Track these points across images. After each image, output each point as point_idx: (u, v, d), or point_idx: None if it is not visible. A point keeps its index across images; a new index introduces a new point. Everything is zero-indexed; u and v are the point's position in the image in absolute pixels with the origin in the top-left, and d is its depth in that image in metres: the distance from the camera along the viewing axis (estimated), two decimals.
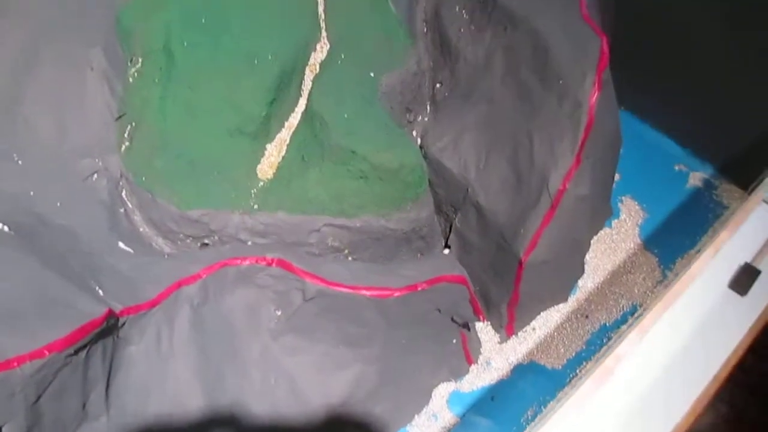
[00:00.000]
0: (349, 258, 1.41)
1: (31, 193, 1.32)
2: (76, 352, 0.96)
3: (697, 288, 1.39)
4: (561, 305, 1.63)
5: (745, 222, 1.51)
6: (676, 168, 2.04)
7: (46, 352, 0.90)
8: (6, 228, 1.17)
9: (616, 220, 1.87)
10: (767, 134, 1.86)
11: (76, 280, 1.11)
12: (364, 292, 1.27)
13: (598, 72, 1.41)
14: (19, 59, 1.46)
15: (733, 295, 1.42)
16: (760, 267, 1.38)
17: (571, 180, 1.38)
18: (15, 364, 0.86)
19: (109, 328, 1.03)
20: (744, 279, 1.39)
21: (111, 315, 1.03)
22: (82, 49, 1.47)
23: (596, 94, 1.39)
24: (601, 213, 1.72)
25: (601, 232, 1.82)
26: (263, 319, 1.27)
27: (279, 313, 1.27)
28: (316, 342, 1.29)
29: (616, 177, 1.94)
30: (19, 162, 1.36)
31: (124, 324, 1.09)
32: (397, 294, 1.28)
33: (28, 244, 1.14)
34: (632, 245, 1.82)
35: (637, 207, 1.92)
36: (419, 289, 1.31)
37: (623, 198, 1.94)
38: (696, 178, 2.02)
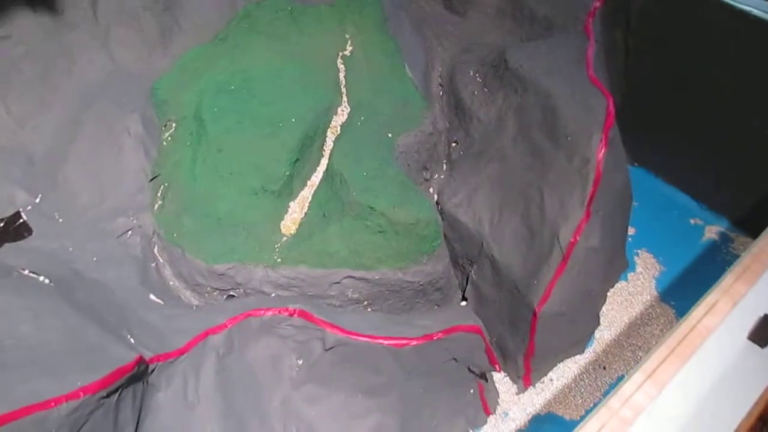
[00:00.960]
0: (368, 309, 1.46)
1: (70, 249, 1.41)
2: (109, 395, 1.02)
3: (715, 340, 1.40)
4: (578, 356, 1.65)
5: (762, 274, 1.53)
6: (692, 222, 2.08)
7: (81, 394, 0.96)
8: (47, 280, 1.26)
9: (632, 273, 1.91)
10: None
11: (110, 329, 1.19)
12: (381, 341, 1.32)
13: (604, 130, 1.48)
14: (63, 125, 1.59)
15: (753, 347, 1.43)
16: None
17: (582, 233, 1.44)
18: (52, 404, 0.92)
19: (139, 374, 1.09)
20: (763, 331, 1.41)
21: (141, 361, 1.09)
22: (120, 116, 1.59)
23: (603, 150, 1.46)
24: (616, 266, 1.76)
25: (618, 285, 1.85)
26: (285, 368, 1.32)
27: (300, 362, 1.32)
28: (336, 391, 1.34)
29: (632, 231, 1.99)
30: (60, 220, 1.46)
31: (153, 371, 1.15)
32: (413, 343, 1.33)
33: (66, 294, 1.22)
34: (649, 297, 1.85)
35: (653, 260, 1.96)
36: (435, 338, 1.36)
37: (639, 251, 1.97)
38: (712, 232, 2.05)
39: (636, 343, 1.73)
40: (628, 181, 1.64)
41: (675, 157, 2.08)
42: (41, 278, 1.27)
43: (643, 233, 2.00)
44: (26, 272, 1.28)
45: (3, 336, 1.07)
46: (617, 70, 1.97)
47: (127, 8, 1.74)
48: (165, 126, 1.62)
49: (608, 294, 1.79)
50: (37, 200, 1.49)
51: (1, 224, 1.42)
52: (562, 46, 1.70)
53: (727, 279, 1.89)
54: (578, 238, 1.44)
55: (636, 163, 2.14)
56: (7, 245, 1.40)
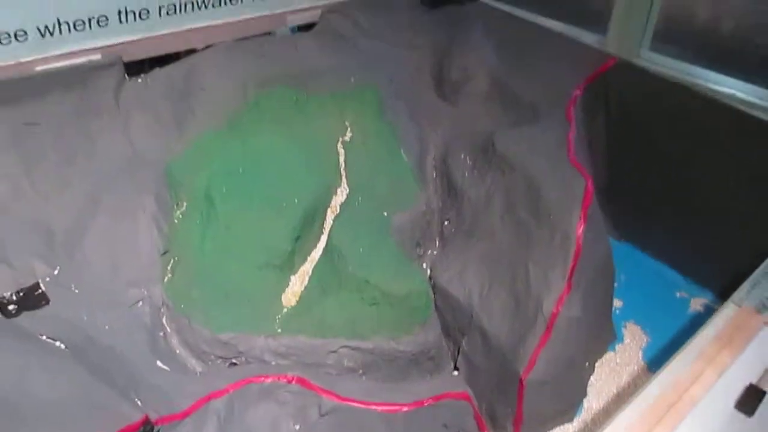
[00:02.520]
0: (363, 378, 1.54)
1: (84, 317, 1.51)
2: None
3: (702, 409, 1.45)
4: (567, 425, 1.70)
5: (746, 345, 1.59)
6: (678, 295, 2.16)
7: None
8: (62, 345, 1.35)
9: (620, 344, 1.97)
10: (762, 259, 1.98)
11: (120, 390, 1.27)
12: (374, 407, 1.39)
13: (583, 208, 1.60)
14: (83, 203, 1.71)
15: (740, 416, 1.47)
16: (766, 388, 1.44)
17: (564, 304, 1.53)
18: None
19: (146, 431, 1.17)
20: (750, 400, 1.45)
21: (147, 421, 1.17)
22: (136, 195, 1.71)
23: (582, 226, 1.57)
24: (603, 337, 1.84)
25: (606, 356, 1.91)
26: None
27: (297, 427, 1.39)
28: None
29: (619, 304, 2.07)
30: (76, 291, 1.56)
31: (158, 431, 1.23)
32: (405, 409, 1.40)
33: (80, 358, 1.32)
34: (636, 368, 1.91)
35: (640, 332, 2.03)
36: (425, 404, 1.42)
37: (626, 323, 2.04)
38: (697, 304, 2.13)
39: None
40: (609, 255, 1.73)
41: (660, 233, 2.18)
42: (57, 343, 1.36)
43: (630, 306, 2.07)
44: (44, 337, 1.37)
45: (21, 394, 1.16)
46: (601, 152, 2.10)
47: (147, 97, 1.89)
48: (177, 205, 1.74)
49: (596, 365, 1.86)
50: (56, 272, 1.59)
51: (21, 294, 1.52)
52: (546, 131, 1.83)
53: (712, 349, 1.95)
54: (560, 309, 1.52)
55: (622, 239, 2.24)
56: (25, 313, 1.50)
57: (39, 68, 1.76)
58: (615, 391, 1.84)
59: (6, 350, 1.26)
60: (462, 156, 1.93)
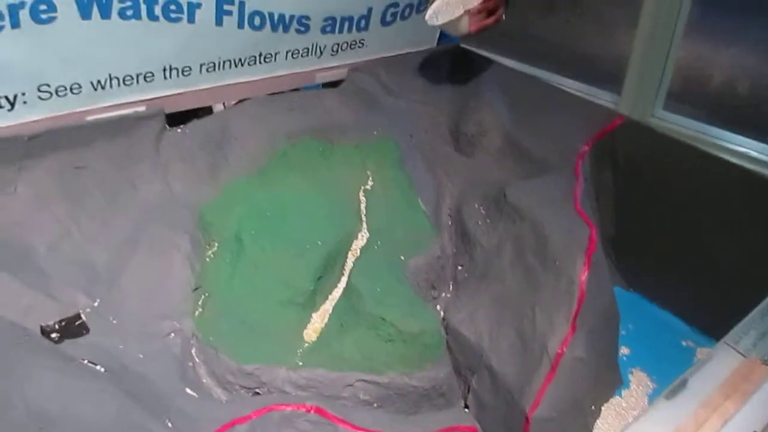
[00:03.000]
0: (378, 410, 1.63)
1: (121, 346, 1.63)
2: None
3: None
4: None
5: (751, 394, 1.65)
6: (684, 343, 2.22)
7: None
8: (102, 369, 1.48)
9: (626, 390, 2.03)
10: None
11: (152, 413, 1.38)
12: None
13: (587, 255, 1.70)
14: (123, 242, 1.85)
15: None
16: None
17: (568, 345, 1.62)
18: None
19: None
20: None
21: None
22: (172, 236, 1.85)
23: (586, 272, 1.67)
24: (608, 380, 1.90)
25: (612, 400, 1.97)
26: None
27: None
28: None
29: (626, 351, 2.14)
30: (114, 322, 1.69)
31: None
32: None
33: (116, 383, 1.43)
34: (642, 413, 1.96)
35: (646, 378, 2.09)
36: None
37: (633, 370, 2.11)
38: (703, 353, 2.19)
39: None
40: (613, 302, 1.82)
41: (667, 284, 2.24)
42: (98, 367, 1.48)
43: (637, 353, 2.14)
44: (85, 362, 1.50)
45: (65, 413, 1.27)
46: (609, 205, 2.20)
47: (185, 147, 2.05)
48: (209, 245, 1.87)
49: (603, 408, 1.92)
50: (96, 304, 1.71)
51: (63, 323, 1.65)
52: (554, 184, 1.95)
53: (717, 398, 2.01)
54: (564, 350, 1.61)
55: (630, 289, 2.32)
56: (67, 340, 1.62)
57: (89, 118, 1.92)
58: None
59: (53, 371, 1.38)
60: (475, 205, 2.06)
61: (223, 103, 2.24)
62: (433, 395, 1.68)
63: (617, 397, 2.01)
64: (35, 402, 1.26)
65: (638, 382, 2.09)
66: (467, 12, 1.89)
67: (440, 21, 1.92)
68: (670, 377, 2.12)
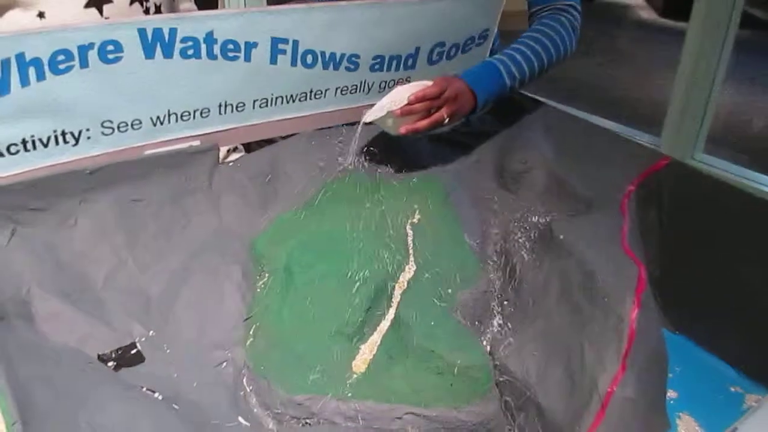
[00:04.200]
0: None
1: (175, 375, 1.67)
2: None
3: None
4: None
5: None
6: (732, 389, 2.19)
7: None
8: (160, 396, 1.51)
9: None
10: None
11: None
12: None
13: (637, 293, 1.70)
14: (175, 272, 1.90)
15: None
16: None
17: (618, 383, 1.61)
18: None
19: None
20: None
21: None
22: (224, 266, 1.90)
23: (636, 310, 1.67)
24: (656, 424, 1.87)
25: None
26: None
27: None
28: None
29: (674, 395, 2.11)
30: (168, 351, 1.73)
31: None
32: None
33: (171, 408, 1.47)
34: None
35: (694, 423, 2.05)
36: None
37: (681, 414, 2.08)
38: (752, 400, 2.15)
39: None
40: (662, 343, 1.80)
41: (713, 327, 2.21)
42: (156, 394, 1.52)
43: (685, 397, 2.10)
44: (144, 389, 1.54)
45: None
46: (654, 245, 2.19)
47: (237, 180, 2.11)
48: (259, 276, 1.91)
49: None
50: (150, 333, 1.76)
51: (120, 352, 1.69)
52: (600, 222, 1.96)
53: None
54: (615, 388, 1.60)
55: (677, 332, 2.30)
56: (124, 368, 1.67)
57: (147, 152, 2.00)
58: None
59: (117, 397, 1.42)
60: (521, 241, 2.07)
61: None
62: (480, 430, 1.68)
63: None
64: (101, 427, 1.29)
65: (686, 427, 2.06)
66: (391, 114, 1.91)
67: (368, 119, 1.94)
68: (717, 423, 2.10)
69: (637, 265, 1.78)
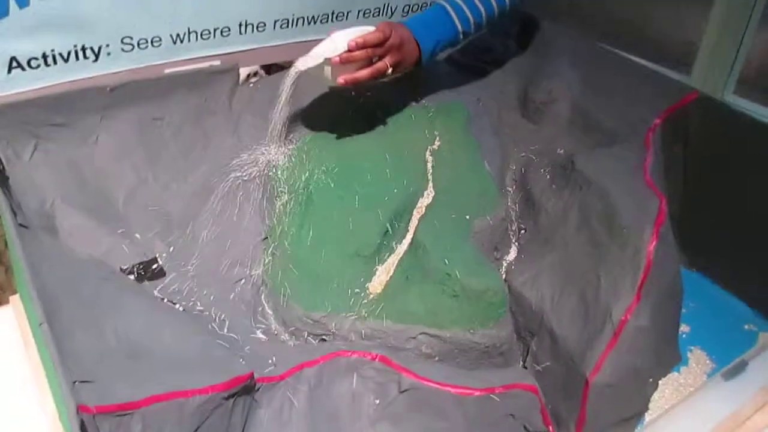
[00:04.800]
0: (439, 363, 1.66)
1: (195, 290, 1.70)
2: (228, 398, 1.25)
3: None
4: None
5: None
6: (746, 327, 2.20)
7: (210, 391, 1.21)
8: (180, 308, 1.55)
9: (684, 367, 2.02)
10: None
11: (229, 351, 1.45)
12: (449, 388, 1.51)
13: (656, 225, 1.69)
14: (196, 191, 1.92)
15: None
16: None
17: (632, 312, 1.62)
18: (190, 395, 1.17)
19: (250, 387, 1.33)
20: None
21: (252, 377, 1.34)
22: (243, 186, 1.91)
23: (654, 242, 1.66)
24: (667, 355, 1.90)
25: (670, 376, 1.97)
26: (364, 406, 1.52)
27: (377, 401, 1.52)
28: (406, 430, 1.52)
29: (687, 329, 2.13)
30: (188, 267, 1.76)
31: (259, 389, 1.39)
32: (477, 393, 1.51)
33: (194, 321, 1.50)
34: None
35: (705, 358, 2.07)
36: (496, 392, 1.54)
37: (692, 348, 2.10)
38: (766, 338, 2.16)
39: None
40: (678, 276, 1.80)
41: (731, 265, 2.21)
42: (177, 306, 1.55)
43: (697, 332, 2.11)
44: (165, 300, 1.57)
45: (152, 344, 1.34)
46: (676, 180, 2.17)
47: (257, 101, 2.10)
48: (278, 197, 1.92)
49: (660, 382, 1.92)
50: (171, 249, 1.79)
51: (141, 266, 1.72)
52: (624, 154, 1.93)
53: None
54: (629, 317, 1.61)
55: (693, 268, 2.29)
56: (146, 282, 1.70)
57: (167, 71, 1.98)
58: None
59: (139, 305, 1.45)
60: (542, 171, 2.06)
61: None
62: (493, 353, 1.71)
63: (675, 373, 2.01)
64: (125, 332, 1.33)
65: (697, 360, 2.08)
66: (328, 61, 1.72)
67: (301, 67, 1.75)
68: (729, 359, 2.11)
69: (658, 197, 1.76)
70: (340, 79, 1.83)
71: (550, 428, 1.71)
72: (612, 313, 1.63)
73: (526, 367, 1.82)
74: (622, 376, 1.65)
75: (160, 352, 1.31)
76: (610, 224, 1.77)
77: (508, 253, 1.98)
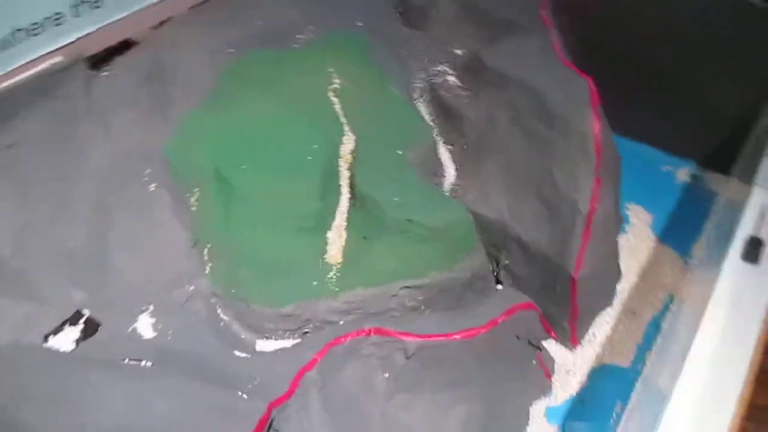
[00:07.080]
0: (426, 312, 1.57)
1: (143, 330, 1.47)
2: None
3: None
4: (609, 309, 1.82)
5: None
6: (664, 169, 2.30)
7: None
8: (148, 363, 1.32)
9: (628, 226, 2.10)
10: (733, 123, 2.11)
11: (220, 388, 1.27)
12: (455, 336, 1.44)
13: (593, 107, 1.65)
14: (92, 214, 1.63)
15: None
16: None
17: (597, 200, 1.60)
18: None
19: (271, 419, 1.18)
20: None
21: (270, 410, 1.18)
22: (144, 192, 1.64)
23: (597, 124, 1.63)
24: (618, 223, 1.94)
25: (621, 238, 2.03)
26: (375, 384, 1.42)
27: (387, 375, 1.43)
28: (422, 392, 1.45)
29: None
30: (123, 305, 1.51)
31: (274, 419, 1.24)
32: (482, 331, 1.46)
33: (169, 372, 1.30)
34: (650, 244, 2.04)
35: (642, 211, 2.15)
36: (500, 321, 1.49)
37: (628, 205, 2.16)
38: (683, 174, 2.28)
39: (652, 285, 1.90)
40: (615, 146, 1.81)
41: (637, 117, 2.27)
42: (143, 362, 1.33)
43: (627, 188, 2.15)
44: (126, 361, 1.34)
45: (140, 423, 1.14)
46: (577, 51, 2.14)
47: (118, 89, 1.79)
48: (189, 192, 1.68)
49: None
50: (91, 293, 1.53)
51: (69, 324, 1.47)
52: (530, 41, 1.86)
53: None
54: (595, 205, 1.60)
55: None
56: (83, 344, 1.44)
57: (2, 84, 1.62)
58: (637, 269, 1.97)
59: (106, 385, 1.22)
60: (449, 80, 1.94)
61: None
62: (474, 281, 1.65)
63: (623, 234, 2.07)
64: (108, 424, 1.11)
65: (636, 215, 2.15)
66: None
67: None
68: (662, 204, 2.21)
69: (583, 77, 1.71)
70: None
71: (552, 334, 1.71)
72: (578, 205, 1.60)
73: (500, 281, 1.79)
74: (601, 262, 1.66)
75: (159, 428, 1.12)
76: (544, 116, 1.71)
77: (445, 176, 1.88)
